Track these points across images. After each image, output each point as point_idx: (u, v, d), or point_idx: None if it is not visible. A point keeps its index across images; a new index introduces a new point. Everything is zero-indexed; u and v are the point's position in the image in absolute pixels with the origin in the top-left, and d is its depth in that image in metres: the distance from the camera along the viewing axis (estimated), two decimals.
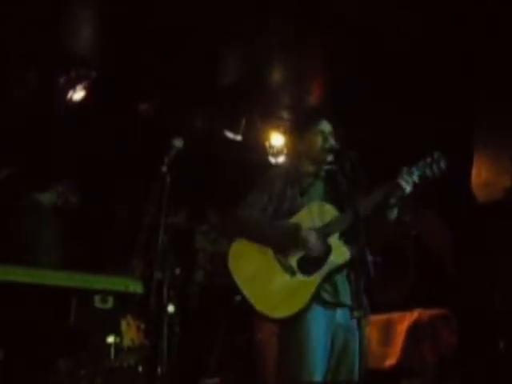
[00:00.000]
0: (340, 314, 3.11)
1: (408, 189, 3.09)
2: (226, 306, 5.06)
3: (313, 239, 3.07)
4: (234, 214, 3.24)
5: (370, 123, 5.38)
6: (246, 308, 3.07)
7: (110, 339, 4.15)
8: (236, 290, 3.09)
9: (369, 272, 2.96)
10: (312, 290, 3.04)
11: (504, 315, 4.63)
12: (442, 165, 3.14)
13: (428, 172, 3.12)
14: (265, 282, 3.09)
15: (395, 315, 4.88)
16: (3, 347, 3.28)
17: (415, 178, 3.11)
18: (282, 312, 3.04)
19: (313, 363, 2.99)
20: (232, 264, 3.15)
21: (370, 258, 3.00)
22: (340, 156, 3.21)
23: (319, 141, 3.28)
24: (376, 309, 4.59)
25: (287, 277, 3.08)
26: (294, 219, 3.18)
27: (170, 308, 4.54)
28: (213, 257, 5.66)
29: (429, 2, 4.33)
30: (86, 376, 3.91)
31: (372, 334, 4.76)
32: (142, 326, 4.62)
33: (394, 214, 3.18)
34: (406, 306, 4.92)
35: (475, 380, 4.52)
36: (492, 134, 5.12)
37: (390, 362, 4.68)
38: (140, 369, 4.31)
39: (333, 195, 3.29)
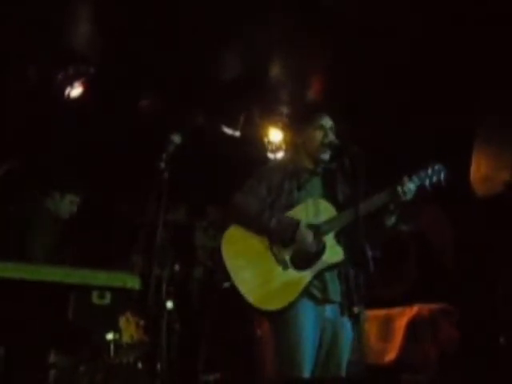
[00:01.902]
0: (329, 310, 3.13)
1: (408, 197, 3.11)
2: (225, 302, 5.06)
3: (310, 238, 3.07)
4: (231, 200, 3.23)
5: (370, 122, 5.38)
6: (235, 296, 3.05)
7: (110, 336, 4.14)
8: (226, 277, 3.08)
9: (368, 267, 2.97)
10: (302, 285, 3.06)
11: (504, 310, 4.63)
12: (442, 176, 3.16)
13: (427, 183, 3.16)
14: (256, 272, 3.09)
15: (395, 310, 4.87)
16: (3, 344, 3.27)
17: (415, 187, 3.13)
18: (270, 305, 3.05)
19: (302, 359, 3.01)
20: (225, 249, 3.14)
21: (369, 253, 3.01)
22: (340, 152, 3.21)
23: (319, 136, 3.28)
24: (376, 304, 4.61)
25: (279, 269, 3.09)
26: (289, 214, 3.18)
27: (169, 304, 4.53)
28: (212, 253, 5.65)
29: (429, 1, 4.33)
30: (86, 373, 3.91)
31: (371, 329, 4.75)
32: (142, 323, 4.62)
33: (391, 220, 3.20)
34: (406, 302, 4.91)
35: (476, 375, 4.51)
36: (493, 130, 5.12)
37: (390, 357, 4.67)
38: (140, 365, 4.30)
39: (330, 192, 3.30)
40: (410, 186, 3.10)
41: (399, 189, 3.09)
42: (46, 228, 4.48)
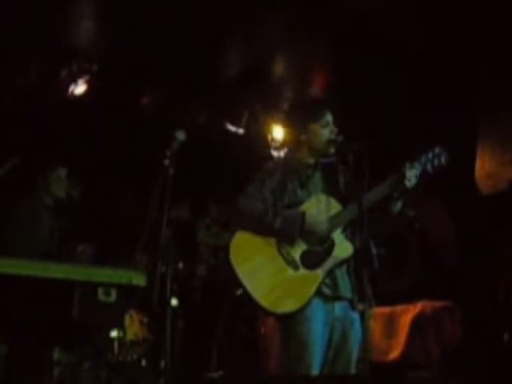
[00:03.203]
0: (338, 308, 3.11)
1: (411, 183, 3.11)
2: (229, 299, 5.06)
3: (318, 218, 3.06)
4: (234, 205, 3.22)
5: (371, 122, 5.38)
6: (248, 302, 3.05)
7: (114, 333, 4.15)
8: (237, 284, 3.06)
9: (373, 264, 2.96)
10: (315, 284, 3.04)
11: (508, 307, 4.63)
12: (443, 159, 3.17)
13: (429, 167, 3.16)
14: (267, 275, 3.06)
15: (399, 308, 4.87)
16: (6, 341, 3.27)
17: (417, 172, 3.13)
18: (284, 307, 3.02)
19: (310, 357, 2.99)
20: (234, 256, 3.11)
21: (374, 250, 3.00)
22: (342, 148, 3.20)
23: (326, 132, 3.26)
24: (380, 301, 4.60)
25: (290, 271, 3.07)
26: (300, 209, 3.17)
27: (173, 302, 4.54)
28: (215, 250, 5.64)
29: (429, 1, 4.33)
30: (90, 370, 3.91)
31: (375, 326, 4.74)
32: (145, 320, 4.62)
33: (397, 207, 3.20)
34: (409, 299, 4.91)
35: (479, 372, 4.51)
36: (496, 127, 5.12)
37: (394, 354, 4.67)
38: (143, 363, 4.32)
39: (332, 188, 3.28)
40: (413, 173, 3.12)
41: (402, 176, 3.10)
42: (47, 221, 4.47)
